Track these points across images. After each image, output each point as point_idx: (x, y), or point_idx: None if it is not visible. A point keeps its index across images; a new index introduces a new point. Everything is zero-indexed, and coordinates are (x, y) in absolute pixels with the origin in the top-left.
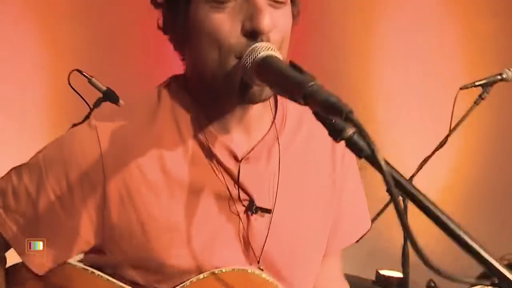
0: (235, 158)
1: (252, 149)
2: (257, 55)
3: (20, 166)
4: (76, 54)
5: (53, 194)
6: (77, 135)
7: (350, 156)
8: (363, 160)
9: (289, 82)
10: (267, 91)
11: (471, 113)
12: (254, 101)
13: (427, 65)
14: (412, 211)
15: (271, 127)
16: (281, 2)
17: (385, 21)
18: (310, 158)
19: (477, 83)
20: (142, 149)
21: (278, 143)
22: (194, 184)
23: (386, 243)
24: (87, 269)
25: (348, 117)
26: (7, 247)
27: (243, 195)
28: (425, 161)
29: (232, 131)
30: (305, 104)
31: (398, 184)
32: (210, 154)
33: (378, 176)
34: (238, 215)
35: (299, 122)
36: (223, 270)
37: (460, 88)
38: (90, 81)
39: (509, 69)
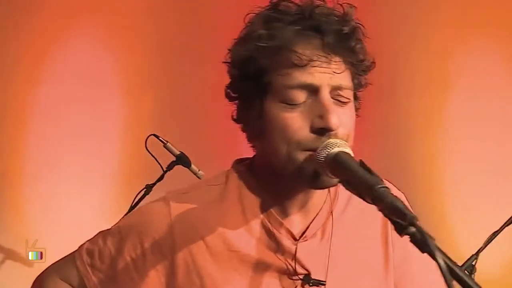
0: (293, 237)
1: (308, 227)
2: (330, 150)
3: (105, 231)
4: (154, 119)
5: (129, 258)
6: (153, 209)
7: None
8: None
9: (359, 182)
10: (335, 180)
11: None
12: (322, 188)
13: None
14: None
15: (324, 202)
16: (345, 102)
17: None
18: (361, 232)
19: None
20: (208, 225)
21: (332, 217)
22: (255, 260)
23: None
24: None
25: (412, 223)
26: None
27: (301, 270)
28: (493, 235)
29: (292, 215)
30: (373, 203)
31: (454, 274)
32: (270, 234)
33: None
34: None
35: (349, 196)
36: None
37: None
38: (165, 146)
39: None
